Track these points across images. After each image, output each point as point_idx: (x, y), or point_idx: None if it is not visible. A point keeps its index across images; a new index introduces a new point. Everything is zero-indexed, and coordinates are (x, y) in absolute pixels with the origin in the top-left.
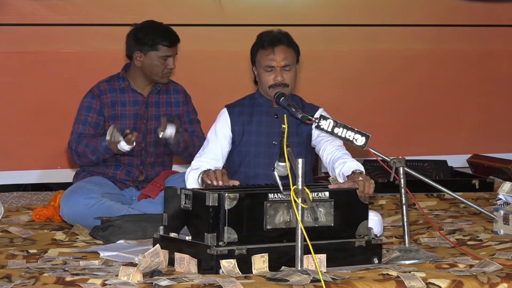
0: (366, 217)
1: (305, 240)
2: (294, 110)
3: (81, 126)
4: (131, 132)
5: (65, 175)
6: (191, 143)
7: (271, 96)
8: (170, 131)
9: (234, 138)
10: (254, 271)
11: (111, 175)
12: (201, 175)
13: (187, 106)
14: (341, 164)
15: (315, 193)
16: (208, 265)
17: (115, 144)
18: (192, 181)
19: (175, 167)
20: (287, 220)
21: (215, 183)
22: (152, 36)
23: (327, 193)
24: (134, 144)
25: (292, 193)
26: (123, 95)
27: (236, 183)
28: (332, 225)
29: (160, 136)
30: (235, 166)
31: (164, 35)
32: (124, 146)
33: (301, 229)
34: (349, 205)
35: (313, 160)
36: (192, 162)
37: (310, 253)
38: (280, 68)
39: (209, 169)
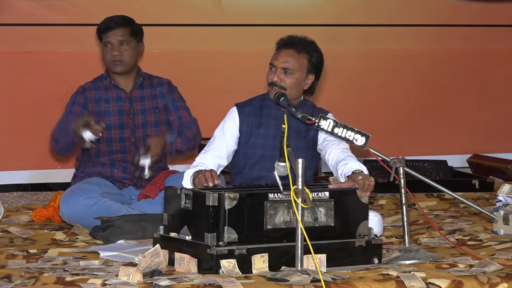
0: (366, 217)
1: (305, 240)
2: (294, 110)
3: (64, 116)
4: (99, 124)
5: (65, 175)
6: (186, 142)
7: (271, 94)
8: (143, 161)
9: (241, 138)
10: (254, 271)
11: (109, 174)
12: (192, 176)
13: (171, 95)
14: (343, 165)
15: (315, 193)
16: (208, 265)
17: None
18: (186, 179)
19: (174, 167)
20: (287, 220)
21: (205, 185)
22: (97, 28)
23: (327, 193)
24: (99, 135)
25: (292, 193)
26: (106, 92)
27: (217, 182)
28: (332, 225)
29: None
30: (239, 167)
31: (102, 22)
32: (89, 135)
33: (301, 229)
34: (349, 205)
35: (316, 166)
36: (196, 158)
37: (310, 253)
38: (279, 69)
39: (200, 170)
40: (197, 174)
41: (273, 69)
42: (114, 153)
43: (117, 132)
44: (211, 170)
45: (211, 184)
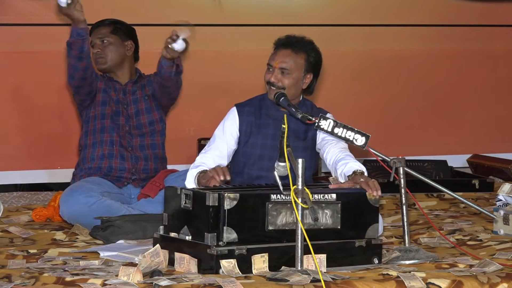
0: (376, 220)
1: (305, 240)
2: (294, 110)
3: None
4: None
5: (65, 175)
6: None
7: (270, 94)
8: (180, 43)
9: (241, 138)
10: (254, 271)
11: (108, 166)
12: (197, 176)
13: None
14: (343, 165)
15: (321, 195)
16: (208, 265)
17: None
18: (190, 179)
19: (173, 166)
20: (290, 221)
21: (216, 177)
22: None
23: (333, 195)
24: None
25: (292, 193)
26: (108, 83)
27: (228, 177)
28: (339, 227)
29: (170, 46)
30: (239, 167)
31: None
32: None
33: (301, 229)
34: (358, 208)
35: (316, 166)
36: (197, 158)
37: (310, 253)
38: (277, 69)
39: (206, 170)
40: (203, 174)
41: (270, 69)
42: (111, 142)
43: (113, 119)
44: (224, 168)
45: (222, 178)
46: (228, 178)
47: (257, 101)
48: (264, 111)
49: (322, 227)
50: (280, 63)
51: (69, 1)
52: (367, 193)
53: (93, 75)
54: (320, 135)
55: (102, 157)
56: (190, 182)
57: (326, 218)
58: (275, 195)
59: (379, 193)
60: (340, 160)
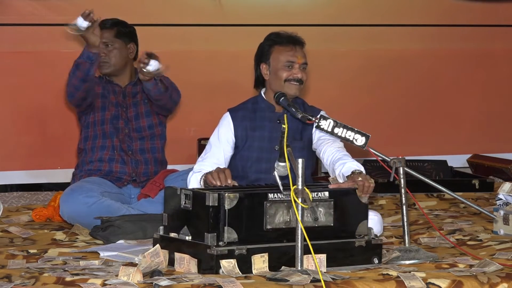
0: (366, 217)
1: (305, 240)
2: (294, 110)
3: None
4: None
5: (65, 175)
6: (168, 83)
7: (292, 90)
8: (154, 64)
9: (237, 143)
10: (254, 271)
11: (108, 169)
12: (203, 177)
13: None
14: (341, 165)
15: (315, 193)
16: (208, 265)
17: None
18: (194, 184)
19: (173, 166)
20: (287, 220)
21: (218, 183)
22: None
23: (326, 193)
24: (93, 20)
25: (292, 193)
26: (107, 85)
27: (235, 183)
28: (332, 225)
29: (144, 70)
30: (237, 171)
31: None
32: (81, 22)
33: (301, 229)
34: (348, 205)
35: (314, 165)
36: (195, 166)
37: (310, 253)
38: (300, 64)
39: (211, 171)
40: (209, 173)
41: (295, 66)
42: (113, 147)
43: (112, 123)
44: (227, 173)
45: (229, 182)
46: (230, 182)
47: (250, 104)
48: (259, 113)
49: (317, 225)
50: (302, 58)
51: (89, 25)
52: (357, 191)
53: (94, 93)
54: (316, 135)
55: (102, 160)
56: (195, 186)
57: (321, 216)
58: (272, 194)
59: (367, 195)
60: (337, 160)
